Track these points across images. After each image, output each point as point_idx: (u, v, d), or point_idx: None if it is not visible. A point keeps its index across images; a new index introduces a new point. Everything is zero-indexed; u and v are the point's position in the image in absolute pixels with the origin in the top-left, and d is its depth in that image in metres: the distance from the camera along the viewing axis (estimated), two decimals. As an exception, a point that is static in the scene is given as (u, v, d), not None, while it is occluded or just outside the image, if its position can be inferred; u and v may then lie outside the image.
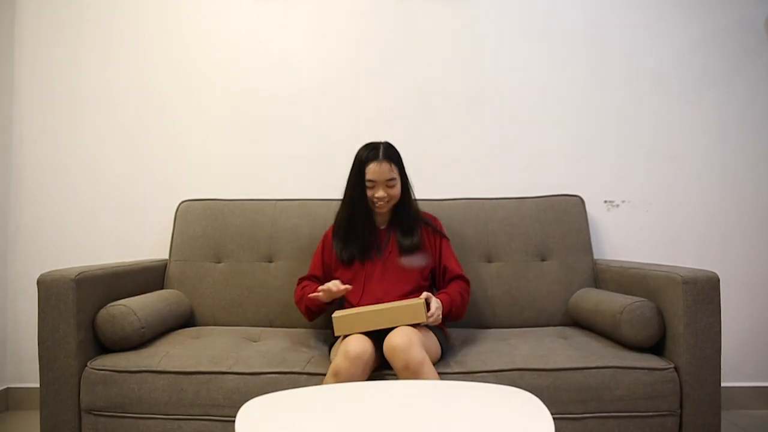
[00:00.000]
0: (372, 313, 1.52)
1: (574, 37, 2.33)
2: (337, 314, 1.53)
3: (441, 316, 1.62)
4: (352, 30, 2.35)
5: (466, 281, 1.82)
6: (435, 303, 1.60)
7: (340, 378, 1.42)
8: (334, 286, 1.64)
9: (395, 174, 1.75)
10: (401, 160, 1.79)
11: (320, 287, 1.67)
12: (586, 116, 2.33)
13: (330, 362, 1.61)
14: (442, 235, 1.86)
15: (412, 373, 1.41)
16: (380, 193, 1.74)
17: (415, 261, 1.79)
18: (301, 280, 1.87)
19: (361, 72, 2.35)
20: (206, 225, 2.14)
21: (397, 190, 1.76)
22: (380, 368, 1.54)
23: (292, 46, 2.35)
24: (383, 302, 1.63)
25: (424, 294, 1.61)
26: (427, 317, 1.54)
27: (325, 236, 1.89)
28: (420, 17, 2.34)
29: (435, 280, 1.86)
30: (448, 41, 2.34)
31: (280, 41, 2.35)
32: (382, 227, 1.85)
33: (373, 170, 1.72)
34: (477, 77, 2.34)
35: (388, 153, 1.74)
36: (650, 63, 2.33)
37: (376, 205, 1.76)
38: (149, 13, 2.35)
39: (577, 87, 2.33)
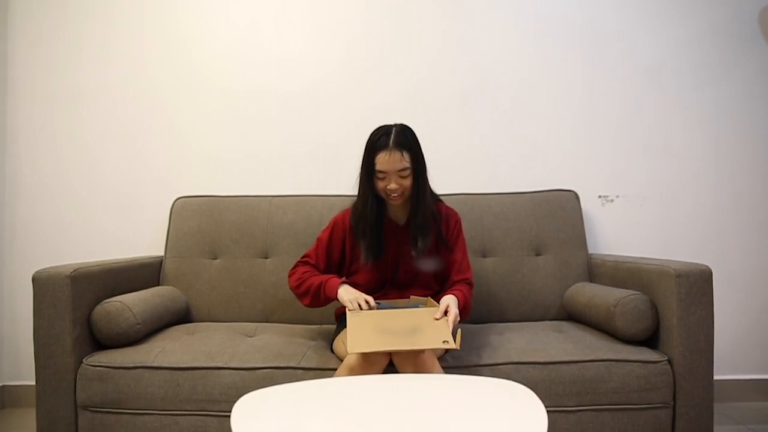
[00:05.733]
0: (392, 337, 1.36)
1: (571, 32, 2.33)
2: (351, 327, 1.39)
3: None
4: (348, 28, 2.34)
5: (470, 284, 1.70)
6: (453, 311, 1.47)
7: (354, 373, 1.37)
8: (365, 303, 1.50)
9: (407, 163, 1.57)
10: (417, 145, 1.60)
11: (353, 299, 1.51)
12: (581, 112, 2.33)
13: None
14: (458, 234, 1.73)
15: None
16: (392, 185, 1.57)
17: (430, 265, 1.69)
18: (300, 264, 1.72)
19: (356, 69, 2.34)
20: (202, 221, 2.13)
21: (410, 180, 1.60)
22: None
23: (288, 44, 2.34)
24: (399, 304, 1.56)
25: (444, 306, 1.48)
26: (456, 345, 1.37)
27: (335, 223, 1.73)
28: (416, 15, 2.34)
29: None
30: (444, 39, 2.34)
31: (276, 39, 2.34)
32: (401, 224, 1.71)
33: (382, 160, 1.55)
34: (473, 73, 2.34)
35: (400, 140, 1.56)
36: (646, 59, 2.33)
37: (390, 197, 1.61)
38: (147, 10, 2.33)
39: (573, 83, 2.33)
